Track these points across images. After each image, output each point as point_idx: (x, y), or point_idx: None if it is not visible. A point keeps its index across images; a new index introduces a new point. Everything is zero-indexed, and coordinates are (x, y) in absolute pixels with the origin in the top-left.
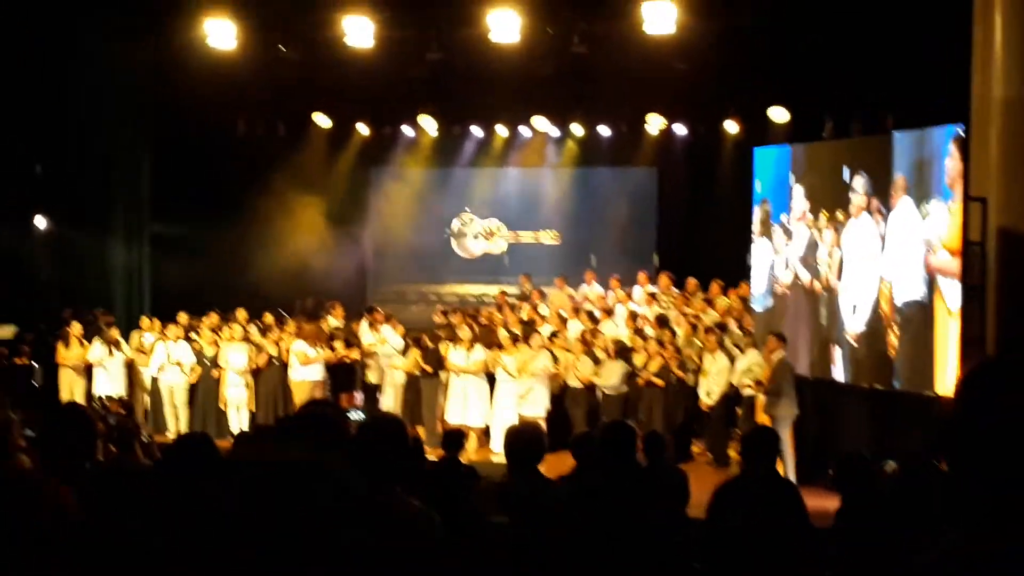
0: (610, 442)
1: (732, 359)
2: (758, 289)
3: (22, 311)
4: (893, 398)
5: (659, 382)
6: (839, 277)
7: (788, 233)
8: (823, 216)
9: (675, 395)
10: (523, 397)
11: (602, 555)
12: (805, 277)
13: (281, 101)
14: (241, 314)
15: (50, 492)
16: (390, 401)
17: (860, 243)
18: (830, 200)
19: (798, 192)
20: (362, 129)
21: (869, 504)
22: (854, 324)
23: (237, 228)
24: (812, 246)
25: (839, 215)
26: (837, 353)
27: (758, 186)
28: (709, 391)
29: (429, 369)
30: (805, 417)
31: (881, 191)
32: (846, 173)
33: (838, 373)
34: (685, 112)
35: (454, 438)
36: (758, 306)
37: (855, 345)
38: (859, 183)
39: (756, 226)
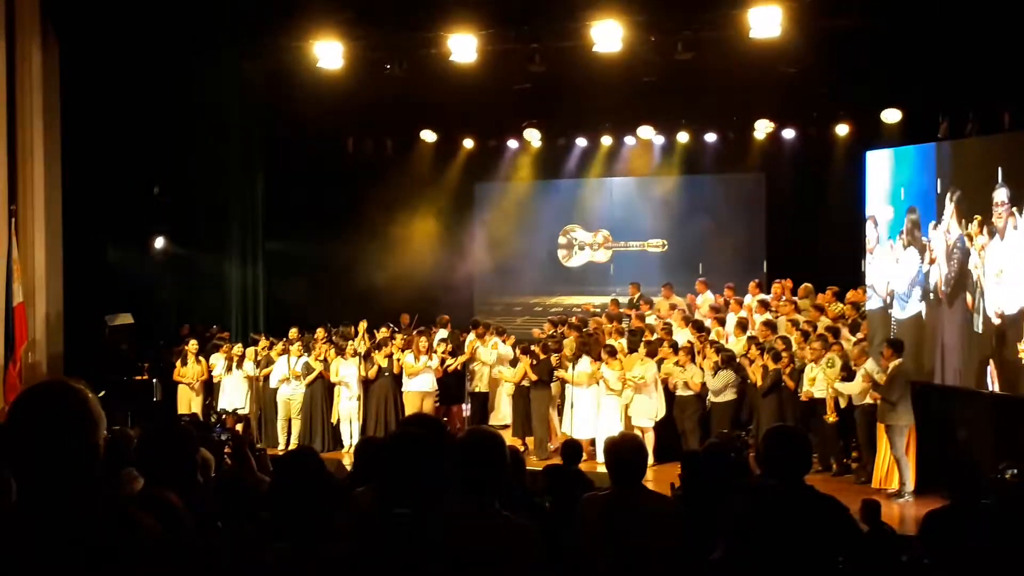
0: (716, 456)
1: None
2: (907, 299)
3: (142, 329)
4: None
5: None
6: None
7: (936, 241)
8: (976, 221)
9: (787, 403)
10: (629, 408)
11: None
12: (957, 286)
13: (388, 118)
14: (361, 328)
15: (160, 505)
16: (505, 411)
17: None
18: (980, 204)
19: (945, 196)
20: (468, 143)
21: (973, 512)
22: (1008, 332)
23: (347, 244)
24: (964, 251)
25: (994, 219)
26: (988, 363)
27: (902, 193)
28: (821, 395)
29: (535, 378)
30: (953, 427)
31: None
32: (999, 174)
33: (992, 384)
34: (793, 116)
35: (571, 449)
36: (902, 315)
37: (1007, 354)
38: (1002, 193)
39: (904, 235)
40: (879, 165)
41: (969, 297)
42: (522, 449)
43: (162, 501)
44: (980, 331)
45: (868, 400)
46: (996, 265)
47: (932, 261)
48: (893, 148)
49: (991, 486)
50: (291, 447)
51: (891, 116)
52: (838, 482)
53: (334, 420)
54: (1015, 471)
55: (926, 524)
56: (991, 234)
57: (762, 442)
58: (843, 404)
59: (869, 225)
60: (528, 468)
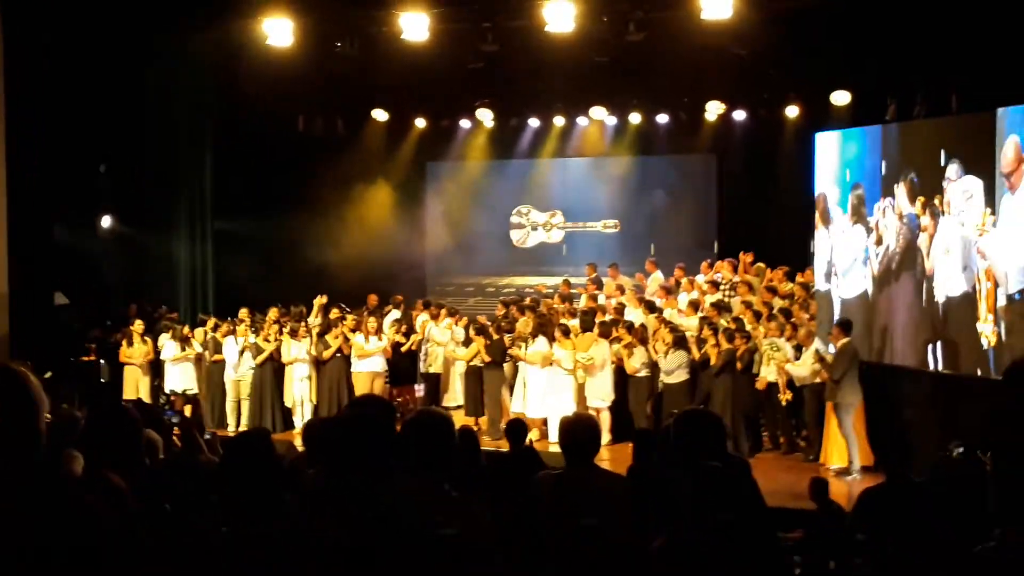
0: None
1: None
2: (847, 276)
3: (89, 309)
4: (991, 387)
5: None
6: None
7: (883, 220)
8: (919, 202)
9: (740, 382)
10: (582, 388)
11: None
12: (903, 265)
13: (339, 97)
14: (304, 310)
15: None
16: (455, 392)
17: (955, 232)
18: (928, 185)
19: (891, 177)
20: (420, 123)
21: (906, 489)
22: (951, 312)
23: (298, 224)
24: (913, 228)
25: (937, 201)
26: (933, 343)
27: (847, 174)
28: (802, 377)
29: (488, 359)
30: (898, 406)
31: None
32: (943, 157)
33: (933, 362)
34: (744, 98)
35: (515, 429)
36: (848, 293)
37: (951, 333)
38: (953, 170)
39: (850, 213)
40: (827, 147)
41: (915, 276)
42: (475, 429)
43: (107, 483)
44: (924, 308)
45: (817, 380)
46: (943, 244)
47: (878, 241)
48: (841, 130)
49: (940, 464)
50: (242, 429)
51: (840, 98)
52: (788, 460)
53: (287, 402)
54: (961, 449)
55: (860, 501)
56: (933, 215)
57: (673, 425)
58: (796, 384)
59: (818, 206)
60: (482, 448)
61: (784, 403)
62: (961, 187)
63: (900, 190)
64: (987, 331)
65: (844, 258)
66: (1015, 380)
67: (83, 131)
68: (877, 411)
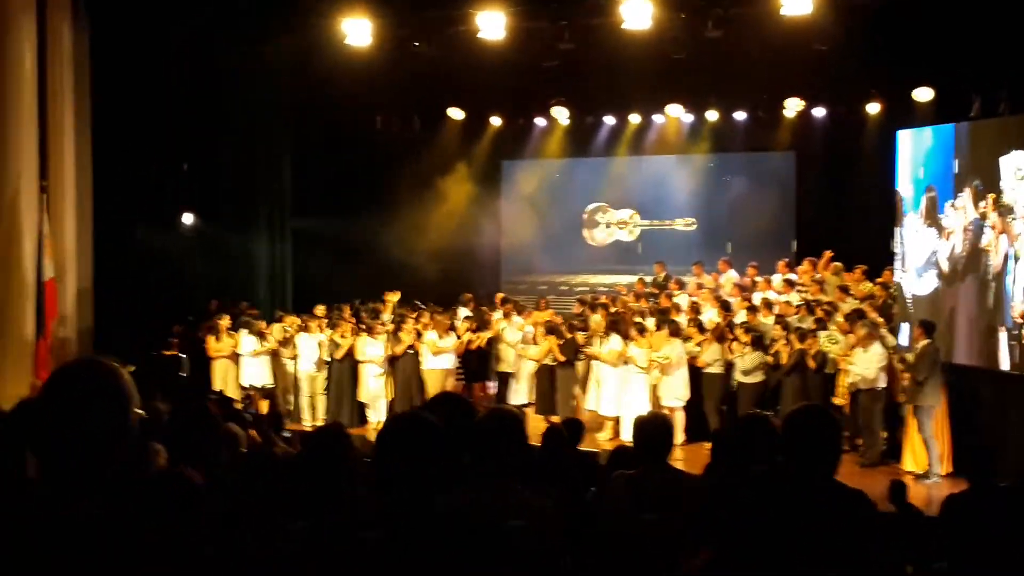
0: (747, 437)
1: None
2: (922, 276)
3: (170, 305)
4: None
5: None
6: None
7: (952, 220)
8: (989, 199)
9: (814, 382)
10: (655, 388)
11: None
12: (971, 264)
13: (416, 96)
14: (388, 303)
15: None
16: (523, 390)
17: None
18: (996, 183)
19: (962, 177)
20: (495, 121)
21: (992, 494)
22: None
23: (374, 222)
24: (978, 231)
25: (1004, 199)
26: (1002, 340)
27: (920, 172)
28: (856, 380)
29: (562, 358)
30: (968, 406)
31: None
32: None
33: (1004, 362)
34: (824, 94)
35: (571, 428)
36: (920, 292)
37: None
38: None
39: (921, 214)
40: (909, 145)
41: (983, 275)
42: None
43: (184, 479)
44: (991, 307)
45: (880, 385)
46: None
47: (947, 238)
48: (915, 128)
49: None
50: (318, 424)
51: (923, 95)
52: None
53: (362, 397)
54: None
55: (946, 507)
56: (1001, 213)
57: (783, 423)
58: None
59: (898, 199)
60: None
61: (842, 406)
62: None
63: (966, 194)
64: None
65: (917, 257)
66: None
67: (166, 131)
68: (958, 414)
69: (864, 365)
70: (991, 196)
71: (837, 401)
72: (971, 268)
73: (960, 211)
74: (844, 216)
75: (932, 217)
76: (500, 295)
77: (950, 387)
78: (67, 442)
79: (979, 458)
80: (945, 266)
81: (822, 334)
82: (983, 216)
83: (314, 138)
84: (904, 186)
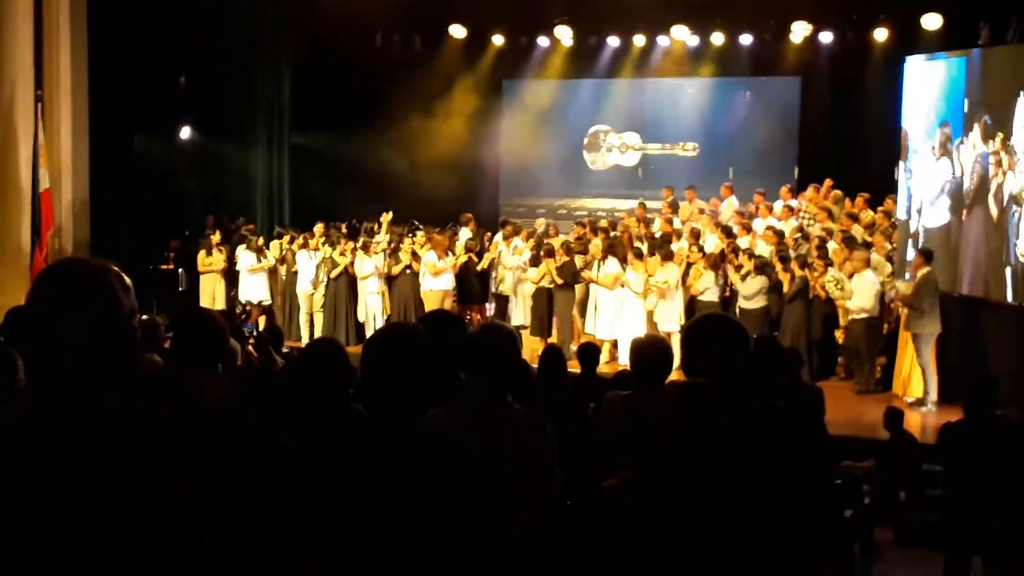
0: (756, 359)
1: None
2: (935, 206)
3: (167, 219)
4: None
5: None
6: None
7: (963, 155)
8: (999, 138)
9: (818, 311)
10: (653, 312)
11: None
12: (980, 199)
13: (417, 13)
14: (384, 221)
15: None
16: (521, 312)
17: None
18: (1007, 121)
19: (971, 114)
20: (497, 40)
21: (988, 423)
22: None
23: (373, 139)
24: (986, 167)
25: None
26: (1007, 275)
27: (933, 107)
28: (857, 307)
29: (560, 281)
30: (968, 337)
31: None
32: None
33: (1008, 295)
34: (831, 19)
35: (589, 352)
36: (932, 224)
37: None
38: None
39: (934, 148)
40: (915, 74)
41: (993, 210)
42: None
43: (184, 385)
44: (997, 243)
45: (874, 313)
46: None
47: (959, 173)
48: (928, 59)
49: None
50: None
51: (931, 22)
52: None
53: (360, 316)
54: None
55: (942, 436)
56: (1008, 151)
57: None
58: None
59: (904, 134)
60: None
61: (840, 339)
62: None
63: (976, 130)
64: None
65: (930, 190)
66: None
67: (163, 43)
68: (956, 343)
69: (859, 295)
70: (1000, 135)
71: (839, 334)
72: (980, 202)
73: (969, 146)
74: (847, 144)
75: (946, 150)
76: (502, 219)
77: (955, 317)
78: (52, 343)
79: (978, 387)
80: (956, 199)
81: (828, 279)
82: (994, 153)
83: (314, 55)
84: (914, 120)
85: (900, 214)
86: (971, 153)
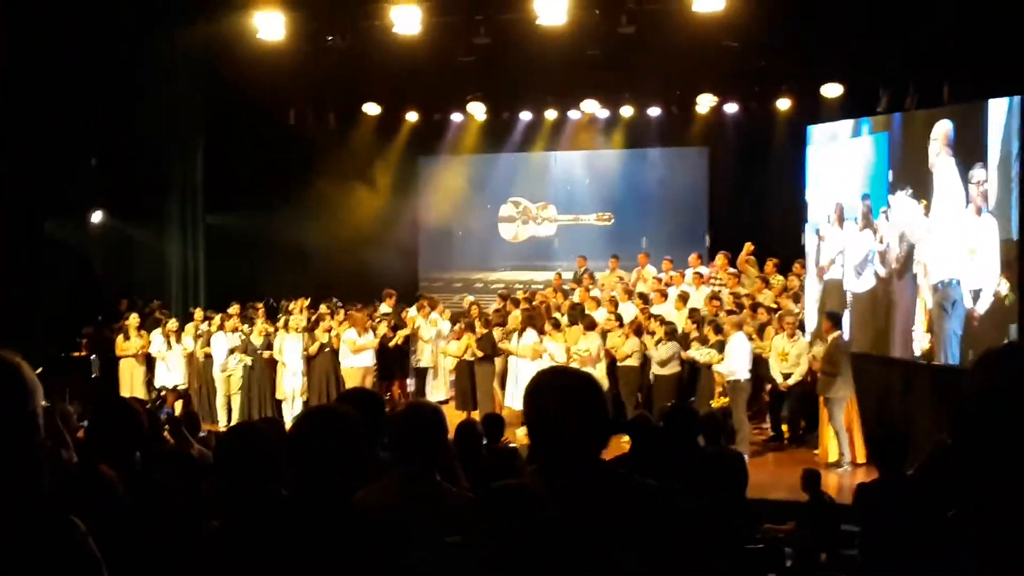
0: (673, 425)
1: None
2: (861, 275)
3: (79, 304)
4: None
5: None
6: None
7: (885, 226)
8: (923, 204)
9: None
10: None
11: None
12: (909, 265)
13: (331, 91)
14: (297, 304)
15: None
16: (441, 386)
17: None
18: (924, 184)
19: (895, 182)
20: (411, 116)
21: (900, 483)
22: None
23: (290, 218)
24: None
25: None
26: (946, 337)
27: (863, 184)
28: (787, 373)
29: (480, 354)
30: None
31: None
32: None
33: (944, 356)
34: (736, 90)
35: (492, 423)
36: (858, 289)
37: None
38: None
39: (858, 221)
40: (841, 149)
41: (919, 274)
42: None
43: (100, 476)
44: (930, 306)
45: (742, 377)
46: (969, 243)
47: (881, 242)
48: (853, 137)
49: (932, 456)
50: (233, 424)
51: (832, 91)
52: (782, 452)
53: (279, 396)
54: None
55: (857, 496)
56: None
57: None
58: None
59: (836, 209)
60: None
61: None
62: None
63: (902, 197)
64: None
65: (855, 257)
66: (981, 367)
67: (75, 125)
68: (869, 404)
69: (729, 358)
70: (923, 202)
71: (717, 403)
72: (909, 268)
73: (895, 215)
74: (756, 210)
75: (868, 221)
76: (418, 294)
77: (869, 378)
78: None
79: (889, 447)
80: (881, 266)
81: (692, 348)
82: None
83: (228, 134)
84: (832, 189)
85: (830, 275)
86: (894, 224)
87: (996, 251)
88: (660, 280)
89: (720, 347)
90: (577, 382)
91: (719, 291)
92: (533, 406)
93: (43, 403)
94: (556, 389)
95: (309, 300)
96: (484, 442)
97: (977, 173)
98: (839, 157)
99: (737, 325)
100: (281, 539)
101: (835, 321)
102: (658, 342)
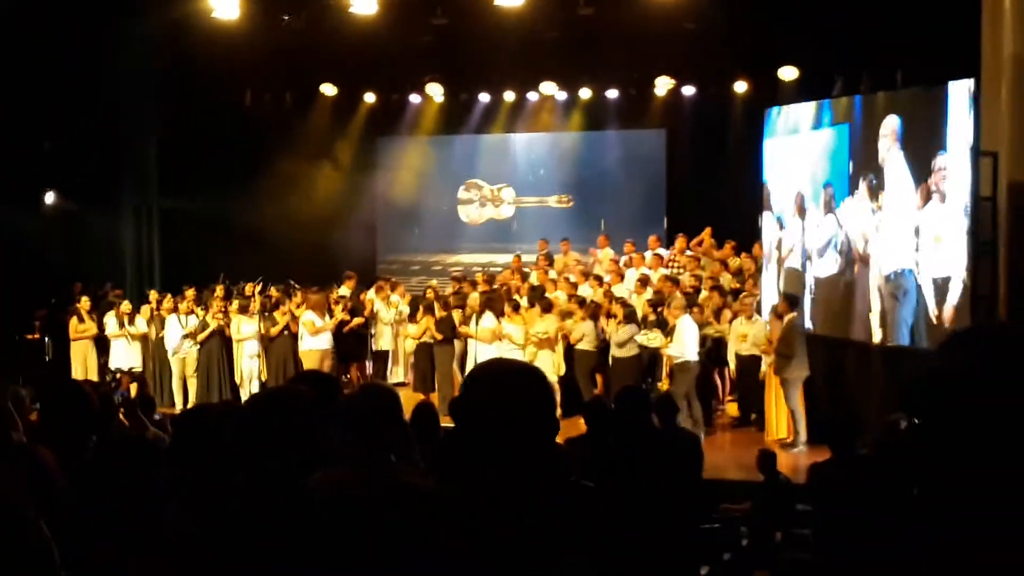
0: (624, 406)
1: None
2: (823, 258)
3: (33, 288)
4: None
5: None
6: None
7: (847, 213)
8: (881, 196)
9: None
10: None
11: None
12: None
13: (287, 71)
14: (249, 287)
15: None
16: (401, 369)
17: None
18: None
19: (856, 172)
20: (369, 97)
21: (853, 463)
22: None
23: (246, 200)
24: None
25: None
26: (897, 325)
27: (825, 173)
28: (676, 352)
29: (440, 336)
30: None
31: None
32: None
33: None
34: (693, 73)
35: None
36: (821, 274)
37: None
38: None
39: (821, 208)
40: (800, 138)
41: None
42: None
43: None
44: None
45: (691, 358)
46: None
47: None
48: (814, 129)
49: (885, 436)
50: (189, 407)
51: (788, 73)
52: (737, 433)
53: (236, 379)
54: (906, 422)
55: (811, 476)
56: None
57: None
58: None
59: (796, 200)
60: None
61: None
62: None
63: (862, 189)
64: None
65: (819, 242)
66: (947, 349)
67: (26, 108)
68: (822, 384)
69: (677, 341)
70: (881, 193)
71: (663, 383)
72: (863, 259)
73: (856, 204)
74: (713, 192)
75: (830, 208)
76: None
77: (822, 359)
78: None
79: (841, 428)
80: (843, 252)
81: (638, 335)
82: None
83: (182, 115)
84: (804, 184)
85: (790, 262)
86: (856, 210)
87: (963, 238)
88: (616, 262)
89: (664, 327)
90: (516, 374)
91: (679, 273)
92: (467, 396)
93: None
94: (492, 380)
95: (260, 283)
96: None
97: (939, 160)
98: (801, 147)
99: (682, 308)
100: (235, 524)
101: (792, 302)
102: (618, 325)
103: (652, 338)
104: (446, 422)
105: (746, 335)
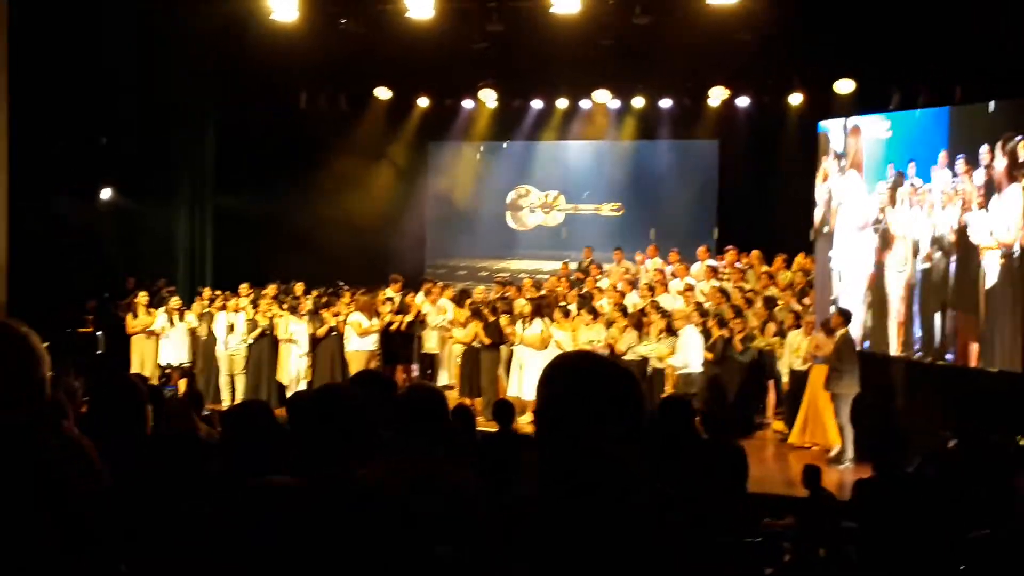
0: (668, 417)
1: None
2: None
3: (87, 281)
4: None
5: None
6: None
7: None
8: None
9: (729, 368)
10: None
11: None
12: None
13: (342, 74)
14: (300, 286)
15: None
16: (446, 372)
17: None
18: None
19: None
20: (422, 102)
21: (899, 480)
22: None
23: (297, 201)
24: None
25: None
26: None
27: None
28: (681, 363)
29: (487, 341)
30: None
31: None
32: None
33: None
34: (748, 84)
35: (504, 410)
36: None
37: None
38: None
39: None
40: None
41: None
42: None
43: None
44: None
45: (695, 369)
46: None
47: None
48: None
49: (932, 455)
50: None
51: (844, 87)
52: (782, 446)
53: (282, 379)
54: (955, 441)
55: (856, 492)
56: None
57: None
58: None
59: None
60: (478, 429)
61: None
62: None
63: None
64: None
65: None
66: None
67: (85, 104)
68: (868, 400)
69: (682, 351)
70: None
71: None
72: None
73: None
74: (765, 204)
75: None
76: (423, 279)
77: (868, 375)
78: None
79: (888, 445)
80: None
81: (640, 345)
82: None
83: (239, 114)
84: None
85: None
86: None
87: None
88: (662, 272)
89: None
90: (600, 368)
91: (726, 285)
92: (546, 388)
93: (50, 373)
94: (571, 372)
95: (304, 285)
96: (497, 427)
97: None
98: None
99: (686, 318)
100: (285, 519)
101: (845, 316)
102: (660, 336)
103: (653, 349)
104: (488, 426)
105: (796, 347)
